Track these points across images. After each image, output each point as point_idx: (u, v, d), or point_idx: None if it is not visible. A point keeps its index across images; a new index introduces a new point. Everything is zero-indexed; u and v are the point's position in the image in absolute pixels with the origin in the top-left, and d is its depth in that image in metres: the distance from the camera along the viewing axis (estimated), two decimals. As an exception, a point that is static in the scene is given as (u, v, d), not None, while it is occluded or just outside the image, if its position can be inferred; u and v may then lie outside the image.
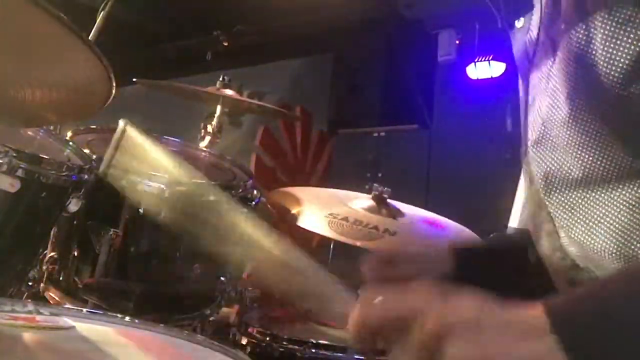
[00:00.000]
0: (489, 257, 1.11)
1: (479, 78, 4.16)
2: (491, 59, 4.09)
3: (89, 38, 0.97)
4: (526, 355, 0.55)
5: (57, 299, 1.42)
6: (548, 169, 0.84)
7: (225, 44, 4.11)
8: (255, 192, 1.62)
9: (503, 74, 4.04)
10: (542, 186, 0.85)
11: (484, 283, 0.95)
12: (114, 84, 0.96)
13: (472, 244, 1.38)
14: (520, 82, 0.99)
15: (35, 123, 1.28)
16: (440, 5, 4.17)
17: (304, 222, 1.76)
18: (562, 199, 0.82)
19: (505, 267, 1.08)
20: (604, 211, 0.77)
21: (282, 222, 1.80)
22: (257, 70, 5.17)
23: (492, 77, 4.11)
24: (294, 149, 4.84)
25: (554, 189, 0.83)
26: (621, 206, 0.75)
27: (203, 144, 2.02)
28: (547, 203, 0.86)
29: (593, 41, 0.73)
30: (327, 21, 4.54)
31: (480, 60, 4.13)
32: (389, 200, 1.90)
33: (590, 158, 0.77)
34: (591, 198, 0.78)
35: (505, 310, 0.58)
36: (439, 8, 4.18)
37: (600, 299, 0.59)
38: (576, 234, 0.81)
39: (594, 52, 0.73)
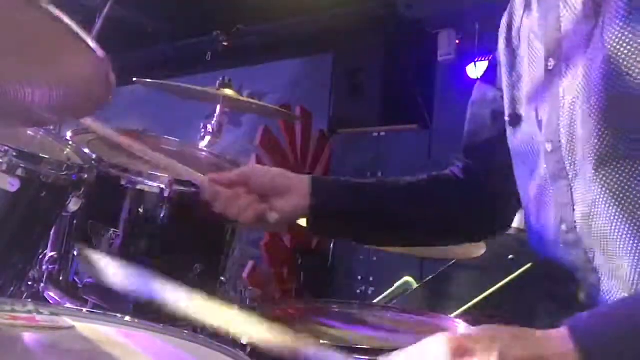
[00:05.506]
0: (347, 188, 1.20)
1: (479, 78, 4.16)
2: (491, 59, 4.08)
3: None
4: None
5: (57, 299, 1.42)
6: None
7: (225, 44, 4.11)
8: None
9: (503, 74, 4.04)
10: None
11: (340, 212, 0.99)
12: (114, 84, 0.96)
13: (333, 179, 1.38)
14: (536, 48, 0.97)
15: (35, 123, 1.28)
16: (440, 5, 4.17)
17: (304, 221, 1.76)
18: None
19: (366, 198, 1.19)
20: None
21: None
22: (257, 70, 5.17)
23: (492, 77, 4.10)
24: (293, 149, 4.84)
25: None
26: None
27: (203, 144, 2.02)
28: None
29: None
30: (327, 21, 4.54)
31: (480, 60, 4.12)
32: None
33: None
34: None
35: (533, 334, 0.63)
36: (439, 8, 4.19)
37: (628, 326, 0.62)
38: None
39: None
